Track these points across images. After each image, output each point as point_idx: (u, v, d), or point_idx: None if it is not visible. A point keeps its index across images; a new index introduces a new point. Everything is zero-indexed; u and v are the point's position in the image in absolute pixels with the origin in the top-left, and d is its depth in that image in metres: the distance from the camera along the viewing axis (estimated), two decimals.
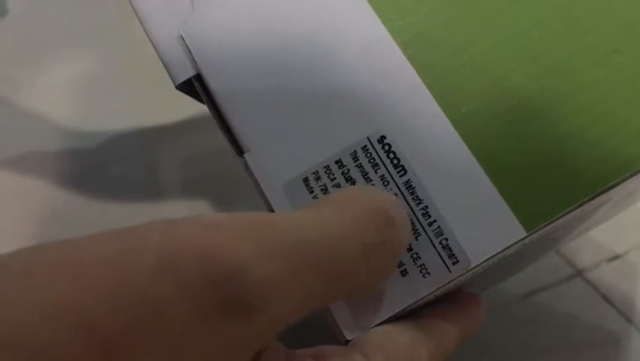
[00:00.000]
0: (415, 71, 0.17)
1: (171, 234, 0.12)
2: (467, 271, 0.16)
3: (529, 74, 0.16)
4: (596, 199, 0.16)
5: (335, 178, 0.16)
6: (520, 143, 0.16)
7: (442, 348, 0.16)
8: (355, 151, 0.16)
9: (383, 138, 0.17)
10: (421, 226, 0.16)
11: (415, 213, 0.16)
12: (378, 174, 0.16)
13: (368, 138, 0.17)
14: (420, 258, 0.16)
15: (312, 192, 0.16)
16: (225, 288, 0.11)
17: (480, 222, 0.16)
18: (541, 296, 0.29)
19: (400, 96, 0.17)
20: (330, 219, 0.14)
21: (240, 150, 0.17)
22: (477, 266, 0.16)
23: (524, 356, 0.27)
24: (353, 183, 0.16)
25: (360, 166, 0.16)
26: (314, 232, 0.13)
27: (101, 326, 0.11)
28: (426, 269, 0.16)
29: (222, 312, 0.12)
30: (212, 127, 0.18)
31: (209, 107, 0.18)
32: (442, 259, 0.16)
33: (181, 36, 0.18)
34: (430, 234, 0.16)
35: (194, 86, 0.18)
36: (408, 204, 0.16)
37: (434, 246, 0.16)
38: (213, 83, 0.17)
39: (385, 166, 0.16)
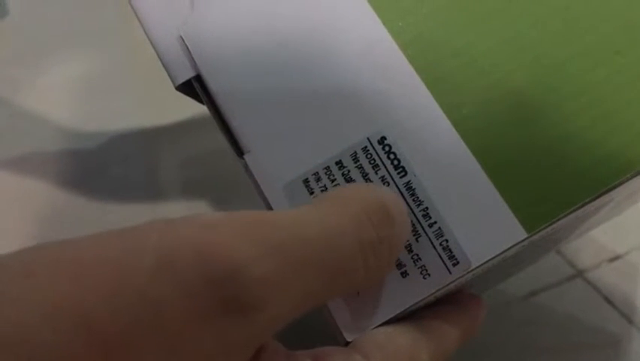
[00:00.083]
0: (415, 72, 0.17)
1: (170, 233, 0.12)
2: (468, 273, 0.16)
3: (529, 75, 0.16)
4: (597, 200, 0.16)
5: (335, 179, 0.16)
6: (521, 144, 0.16)
7: (442, 349, 0.16)
8: (355, 152, 0.16)
9: (383, 138, 0.16)
10: (422, 227, 0.16)
11: (415, 215, 0.16)
12: (379, 175, 0.16)
13: (368, 138, 0.17)
14: (420, 259, 0.16)
15: (312, 193, 0.16)
16: (224, 287, 0.12)
17: (480, 223, 0.16)
18: (541, 297, 0.29)
19: (400, 97, 0.17)
20: (329, 216, 0.14)
21: (240, 151, 0.17)
22: (477, 267, 0.16)
23: (524, 356, 0.27)
24: None
25: (360, 167, 0.16)
26: (312, 229, 0.13)
27: (101, 326, 0.11)
28: (426, 270, 0.16)
29: (221, 311, 0.12)
30: (212, 128, 0.18)
31: (209, 108, 0.18)
32: (443, 261, 0.16)
33: (181, 37, 0.18)
34: (431, 235, 0.16)
35: (194, 87, 0.18)
36: (408, 205, 0.16)
37: (434, 247, 0.16)
38: (213, 84, 0.17)
39: (386, 167, 0.16)
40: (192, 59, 0.18)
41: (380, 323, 0.16)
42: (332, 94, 0.17)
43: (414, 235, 0.16)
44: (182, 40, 0.18)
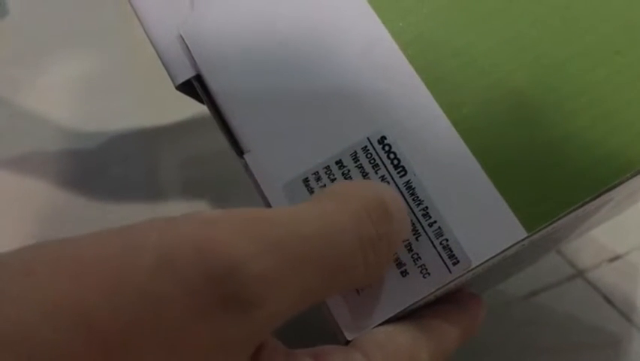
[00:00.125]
0: (415, 72, 0.17)
1: (169, 231, 0.12)
2: (468, 272, 0.16)
3: (530, 75, 0.16)
4: (597, 200, 0.16)
5: (335, 179, 0.16)
6: (521, 143, 0.16)
7: (442, 348, 0.16)
8: (355, 152, 0.16)
9: (383, 138, 0.16)
10: (422, 226, 0.16)
11: (415, 214, 0.16)
12: (379, 175, 0.16)
13: (368, 138, 0.17)
14: (420, 258, 0.16)
15: (312, 192, 0.16)
16: (223, 284, 0.12)
17: (480, 222, 0.16)
18: (541, 297, 0.29)
19: (400, 97, 0.17)
20: (328, 213, 0.14)
21: (240, 151, 0.17)
22: (477, 267, 0.16)
23: (524, 356, 0.27)
24: None
25: (360, 167, 0.16)
26: (311, 226, 0.13)
27: (101, 324, 0.11)
28: (426, 270, 0.16)
29: (221, 308, 0.12)
30: (212, 128, 0.18)
31: (209, 107, 0.18)
32: (443, 260, 0.16)
33: (180, 36, 0.18)
34: (431, 234, 0.16)
35: (194, 87, 0.18)
36: (408, 204, 0.16)
37: (434, 246, 0.16)
38: (213, 84, 0.17)
39: (385, 167, 0.16)
40: (192, 58, 0.18)
41: (380, 322, 0.16)
42: (332, 93, 0.17)
43: (414, 235, 0.16)
44: (182, 39, 0.18)
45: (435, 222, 0.16)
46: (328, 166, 0.16)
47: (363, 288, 0.16)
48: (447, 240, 0.16)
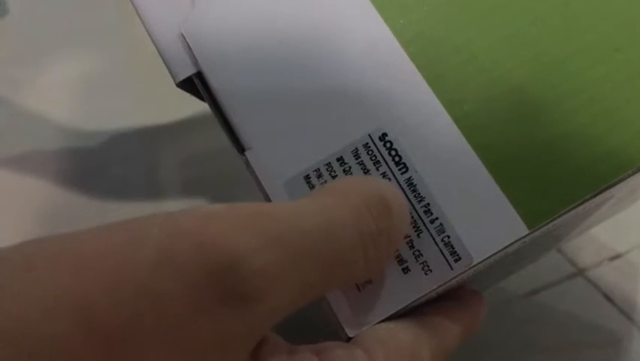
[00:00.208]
0: (416, 69, 0.17)
1: (170, 226, 0.12)
2: (469, 269, 0.16)
3: (530, 72, 0.16)
4: (598, 197, 0.16)
5: (336, 175, 0.16)
6: (522, 140, 0.16)
7: (443, 345, 0.16)
8: (357, 148, 0.16)
9: (384, 135, 0.16)
10: (423, 223, 0.16)
11: (416, 211, 0.16)
12: (380, 171, 0.16)
13: (369, 135, 0.17)
14: (422, 255, 0.16)
15: (313, 189, 0.16)
16: (224, 279, 0.12)
17: (482, 219, 0.16)
18: (542, 295, 0.29)
19: (401, 94, 0.17)
20: (329, 208, 0.14)
21: (241, 148, 0.17)
22: (479, 263, 0.16)
23: (525, 355, 0.27)
24: None
25: (361, 163, 0.16)
26: (312, 221, 0.13)
27: (102, 319, 0.11)
28: (428, 266, 0.16)
29: (221, 303, 0.12)
30: (213, 126, 0.18)
31: (210, 105, 0.18)
32: (444, 257, 0.16)
33: (182, 34, 0.18)
34: (432, 231, 0.16)
35: (195, 84, 0.18)
36: (409, 201, 0.16)
37: (436, 243, 0.16)
38: (214, 81, 0.17)
39: (387, 163, 0.16)
40: (193, 55, 0.18)
41: (382, 318, 0.16)
42: (333, 91, 0.17)
43: (415, 231, 0.16)
44: (183, 37, 0.18)
45: (436, 218, 0.16)
46: (329, 163, 0.16)
47: (365, 285, 0.16)
48: (448, 236, 0.16)
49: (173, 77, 0.18)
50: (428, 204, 0.16)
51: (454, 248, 0.16)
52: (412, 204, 0.16)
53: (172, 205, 0.34)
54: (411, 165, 0.16)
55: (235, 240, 0.12)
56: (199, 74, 0.18)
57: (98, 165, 0.36)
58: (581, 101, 0.16)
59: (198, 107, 0.22)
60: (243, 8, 0.18)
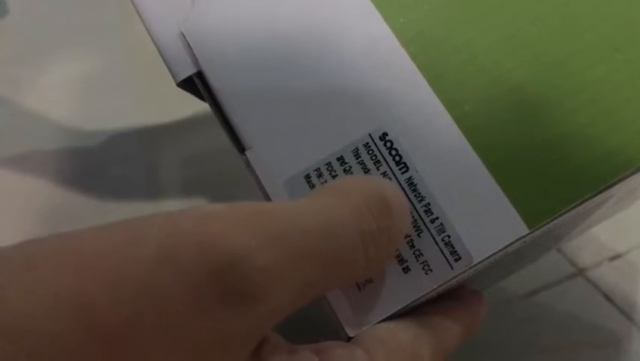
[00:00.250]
0: (417, 69, 0.17)
1: (170, 225, 0.12)
2: (469, 268, 0.16)
3: (530, 72, 0.16)
4: (598, 196, 0.16)
5: (337, 175, 0.16)
6: (522, 140, 0.16)
7: (444, 345, 0.16)
8: (357, 148, 0.16)
9: (385, 134, 0.16)
10: (423, 222, 0.16)
11: (417, 210, 0.16)
12: (380, 171, 0.16)
13: (370, 134, 0.17)
14: (422, 255, 0.16)
15: (313, 188, 0.16)
16: (224, 278, 0.12)
17: (482, 219, 0.16)
18: (542, 295, 0.29)
19: (402, 94, 0.17)
20: (329, 207, 0.14)
21: (241, 148, 0.17)
22: (479, 263, 0.16)
23: (525, 355, 0.27)
24: None
25: (361, 163, 0.16)
26: (312, 220, 0.13)
27: (103, 318, 0.11)
28: (428, 266, 0.16)
29: (222, 302, 0.12)
30: (213, 126, 0.18)
31: (210, 104, 0.18)
32: (445, 256, 0.16)
33: (182, 33, 0.18)
34: (433, 231, 0.16)
35: (196, 84, 0.18)
36: (410, 201, 0.16)
37: (436, 243, 0.16)
38: (215, 80, 0.17)
39: (387, 163, 0.16)
40: (194, 55, 0.18)
41: (382, 318, 0.16)
42: (333, 90, 0.17)
43: (416, 231, 0.16)
44: (184, 36, 0.18)
45: (437, 218, 0.16)
46: (330, 162, 0.16)
47: (365, 284, 0.16)
48: (449, 236, 0.16)
49: (174, 77, 0.18)
50: (428, 203, 0.16)
51: (454, 248, 0.16)
52: (413, 204, 0.16)
53: (172, 205, 0.34)
54: (411, 165, 0.16)
55: (235, 239, 0.12)
56: (199, 74, 0.18)
57: (97, 164, 0.36)
58: (581, 101, 0.16)
59: (198, 106, 0.22)
60: (243, 7, 0.18)
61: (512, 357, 0.27)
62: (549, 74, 0.16)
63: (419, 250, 0.16)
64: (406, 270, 0.16)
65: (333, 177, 0.16)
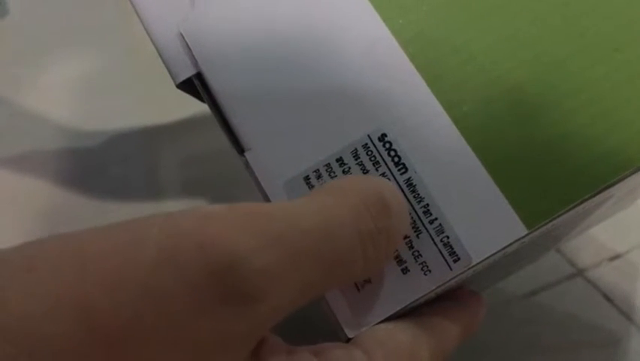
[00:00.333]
0: (415, 69, 0.17)
1: (170, 226, 0.12)
2: (468, 269, 0.16)
3: (529, 72, 0.16)
4: (597, 197, 0.16)
5: (336, 176, 0.16)
6: (521, 141, 0.16)
7: (442, 346, 0.16)
8: (356, 149, 0.16)
9: (384, 135, 0.16)
10: (422, 223, 0.16)
11: (416, 211, 0.16)
12: (379, 172, 0.16)
13: (369, 135, 0.17)
14: (421, 256, 0.16)
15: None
16: (225, 279, 0.12)
17: (481, 219, 0.16)
18: (541, 296, 0.29)
19: (401, 94, 0.17)
20: (328, 207, 0.14)
21: (240, 149, 0.17)
22: (478, 264, 0.16)
23: (525, 355, 0.27)
24: None
25: (361, 164, 0.16)
26: (311, 220, 0.13)
27: (103, 319, 0.11)
28: (427, 267, 0.16)
29: (222, 303, 0.12)
30: (212, 126, 0.18)
31: (209, 105, 0.18)
32: (444, 257, 0.16)
33: (181, 34, 0.18)
34: (431, 232, 0.16)
35: (195, 85, 0.18)
36: (409, 201, 0.16)
37: (435, 244, 0.16)
38: (214, 82, 0.17)
39: (386, 164, 0.16)
40: (193, 56, 0.18)
41: (381, 319, 0.16)
42: (332, 91, 0.17)
43: (414, 232, 0.16)
44: (183, 37, 0.18)
45: (436, 219, 0.16)
46: (329, 164, 0.16)
47: (364, 285, 0.16)
48: (448, 237, 0.16)
49: (173, 78, 0.18)
50: (427, 204, 0.16)
51: (453, 249, 0.16)
52: (412, 205, 0.16)
53: (172, 205, 0.34)
54: (410, 166, 0.16)
55: (235, 240, 0.12)
56: (198, 75, 0.18)
57: (97, 165, 0.36)
58: (580, 102, 0.16)
59: (198, 107, 0.22)
60: (243, 8, 0.18)
61: (512, 358, 0.27)
62: (548, 75, 0.16)
63: (418, 251, 0.16)
64: (405, 271, 0.16)
65: (332, 178, 0.16)
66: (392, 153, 0.16)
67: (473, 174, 0.16)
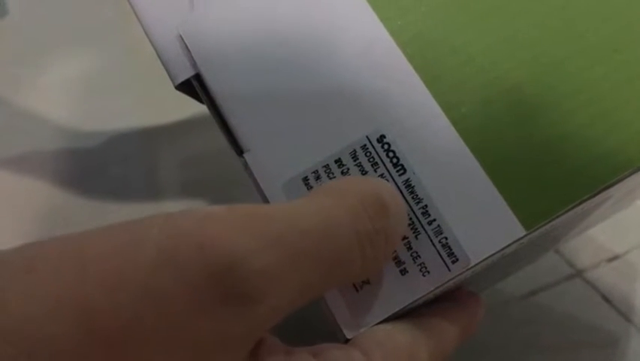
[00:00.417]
0: (414, 70, 0.17)
1: (170, 227, 0.12)
2: (467, 270, 0.16)
3: (528, 73, 0.16)
4: (595, 197, 0.16)
5: (334, 177, 0.16)
6: (519, 142, 0.16)
7: (441, 347, 0.16)
8: (355, 150, 0.17)
9: (382, 137, 0.17)
10: (421, 224, 0.16)
11: (414, 212, 0.16)
12: (378, 173, 0.16)
13: (367, 137, 0.17)
14: (419, 257, 0.16)
15: None
16: (224, 280, 0.12)
17: (479, 221, 0.16)
18: (540, 296, 0.29)
19: (399, 96, 0.17)
20: (326, 208, 0.14)
21: (239, 150, 0.17)
22: (476, 265, 0.16)
23: (524, 356, 0.27)
24: None
25: (359, 165, 0.16)
26: (310, 220, 0.13)
27: (103, 321, 0.11)
28: (425, 268, 0.16)
29: (222, 304, 0.12)
30: (212, 127, 0.18)
31: (208, 107, 0.18)
32: (442, 258, 0.16)
33: (180, 35, 0.18)
34: (430, 233, 0.16)
35: (194, 86, 0.18)
36: (407, 203, 0.16)
37: (434, 245, 0.16)
38: (213, 83, 0.17)
39: (385, 165, 0.16)
40: (192, 57, 0.18)
41: (379, 320, 0.16)
42: (331, 92, 0.17)
43: (413, 233, 0.16)
44: (182, 38, 0.18)
45: (434, 220, 0.16)
46: (328, 165, 0.17)
47: (363, 286, 0.16)
48: (446, 238, 0.16)
49: (172, 80, 0.18)
50: (426, 205, 0.16)
51: (451, 250, 0.16)
52: (410, 206, 0.16)
53: (171, 206, 0.34)
54: (409, 167, 0.16)
55: (234, 241, 0.12)
56: (197, 76, 0.18)
57: (97, 165, 0.36)
58: (579, 102, 0.16)
59: (197, 108, 0.22)
60: (241, 10, 0.18)
61: (510, 358, 0.27)
62: (547, 75, 0.16)
63: (416, 252, 0.16)
64: (404, 272, 0.16)
65: (331, 179, 0.16)
66: (391, 154, 0.16)
67: (472, 175, 0.16)
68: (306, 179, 0.17)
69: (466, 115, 0.16)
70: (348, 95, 0.17)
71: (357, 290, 0.16)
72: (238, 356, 0.13)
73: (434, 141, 0.16)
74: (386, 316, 0.16)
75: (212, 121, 0.18)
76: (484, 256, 0.15)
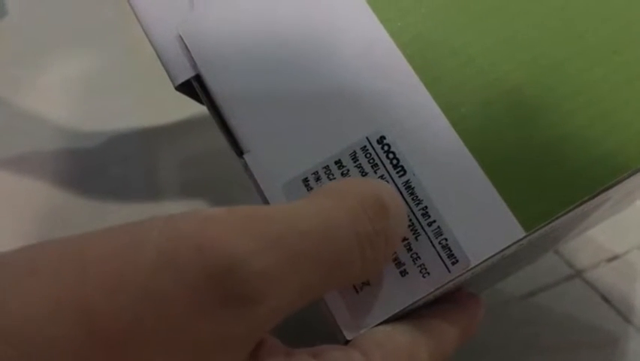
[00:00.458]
0: (414, 72, 0.17)
1: (170, 229, 0.12)
2: (467, 271, 0.16)
3: (528, 74, 0.16)
4: (595, 199, 0.16)
5: (334, 178, 0.16)
6: (519, 143, 0.16)
7: (441, 348, 0.16)
8: (355, 151, 0.17)
9: (382, 138, 0.17)
10: (421, 226, 0.16)
11: (414, 214, 0.16)
12: (378, 175, 0.16)
13: (367, 138, 0.17)
14: (419, 258, 0.16)
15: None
16: (224, 281, 0.12)
17: (479, 222, 0.16)
18: (540, 297, 0.29)
19: (399, 97, 0.17)
20: (326, 209, 0.14)
21: (239, 151, 0.17)
22: (476, 266, 0.16)
23: (523, 356, 0.27)
24: None
25: (359, 166, 0.16)
26: (310, 222, 0.13)
27: (104, 322, 0.11)
28: (425, 269, 0.16)
29: (221, 305, 0.12)
30: (212, 128, 0.18)
31: (208, 107, 0.18)
32: (442, 259, 0.16)
33: (180, 36, 0.18)
34: (430, 234, 0.16)
35: (194, 87, 0.18)
36: (407, 204, 0.16)
37: (434, 246, 0.16)
38: (213, 84, 0.17)
39: (385, 166, 0.16)
40: (192, 58, 0.18)
41: (379, 321, 0.16)
42: (331, 93, 0.17)
43: (413, 234, 0.16)
44: (182, 39, 0.18)
45: (434, 221, 0.16)
46: (327, 166, 0.17)
47: (363, 287, 0.16)
48: (446, 239, 0.16)
49: (172, 81, 0.18)
50: (426, 207, 0.16)
51: (451, 251, 0.16)
52: (410, 207, 0.16)
53: (171, 206, 0.34)
54: (409, 168, 0.16)
55: (234, 243, 0.12)
56: (197, 77, 0.18)
57: (96, 165, 0.36)
58: (578, 104, 0.16)
59: (197, 108, 0.22)
60: (241, 10, 0.18)
61: (510, 358, 0.27)
62: (547, 77, 0.16)
63: (416, 254, 0.16)
64: (404, 273, 0.16)
65: (331, 180, 0.16)
66: (390, 156, 0.16)
67: (471, 177, 0.16)
68: (306, 180, 0.17)
69: (465, 116, 0.16)
70: (348, 96, 0.17)
71: (357, 291, 0.16)
72: (238, 358, 0.13)
73: (434, 142, 0.16)
74: (386, 317, 0.16)
75: (212, 122, 0.18)
76: (484, 258, 0.16)
